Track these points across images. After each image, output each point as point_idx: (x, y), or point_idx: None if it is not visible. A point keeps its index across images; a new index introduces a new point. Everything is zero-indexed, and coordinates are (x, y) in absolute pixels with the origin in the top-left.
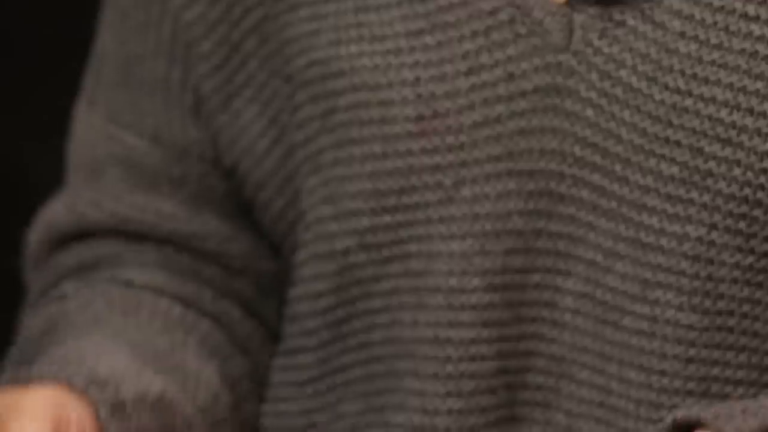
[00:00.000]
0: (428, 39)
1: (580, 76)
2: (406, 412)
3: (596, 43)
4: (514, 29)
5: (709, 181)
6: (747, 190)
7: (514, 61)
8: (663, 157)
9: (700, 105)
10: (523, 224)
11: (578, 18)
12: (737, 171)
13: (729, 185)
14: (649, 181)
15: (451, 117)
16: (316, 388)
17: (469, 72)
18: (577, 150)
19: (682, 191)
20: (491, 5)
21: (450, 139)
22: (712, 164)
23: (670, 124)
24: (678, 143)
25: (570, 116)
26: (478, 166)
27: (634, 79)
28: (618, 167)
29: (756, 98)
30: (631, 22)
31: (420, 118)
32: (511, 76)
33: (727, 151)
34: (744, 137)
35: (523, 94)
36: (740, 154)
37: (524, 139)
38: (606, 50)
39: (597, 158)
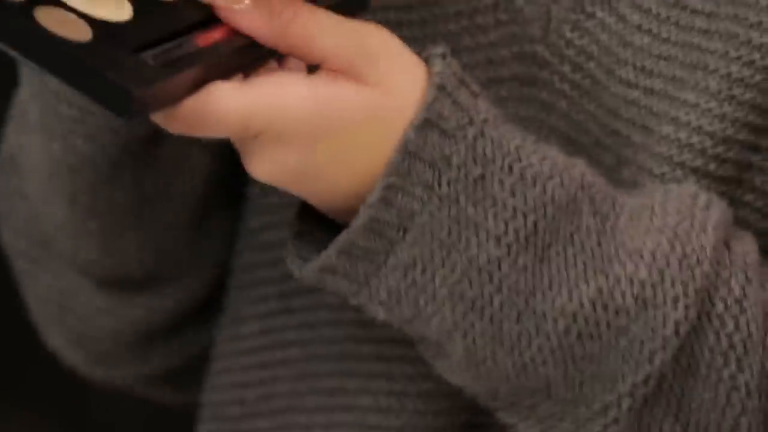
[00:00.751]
0: (414, 15)
1: (553, 67)
2: (372, 394)
3: (568, 35)
4: (496, 15)
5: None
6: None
7: (493, 47)
8: (609, 149)
9: (641, 97)
10: None
11: (554, 9)
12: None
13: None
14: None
15: None
16: (252, 361)
17: (451, 53)
18: (552, 141)
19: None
20: None
21: None
22: (641, 156)
23: (620, 117)
24: (618, 134)
25: (546, 107)
26: None
27: (598, 72)
28: (585, 161)
29: (682, 87)
30: (599, 14)
31: None
32: (490, 62)
33: (650, 140)
34: (666, 127)
35: (501, 81)
36: (661, 146)
37: None
38: (577, 42)
39: (570, 150)
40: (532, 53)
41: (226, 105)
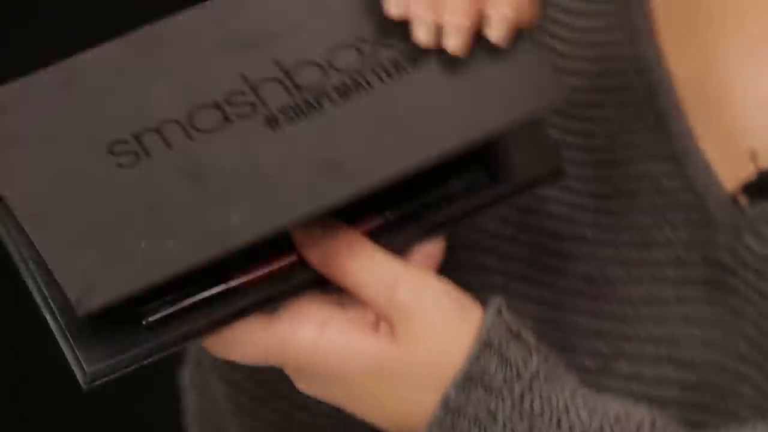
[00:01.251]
0: (613, 204)
1: (739, 274)
2: None
3: (751, 243)
4: (689, 215)
5: None
6: None
7: (684, 246)
8: None
9: None
10: (680, 415)
11: (740, 216)
12: None
13: None
14: None
15: (620, 287)
16: None
17: (643, 245)
18: (741, 346)
19: None
20: (673, 185)
21: (615, 308)
22: None
23: None
24: None
25: (735, 312)
26: (638, 342)
27: None
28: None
29: None
30: None
31: (589, 278)
32: (679, 261)
33: None
34: None
35: (690, 281)
36: None
37: (688, 326)
38: (759, 251)
39: (759, 357)
40: (718, 258)
41: (239, 351)
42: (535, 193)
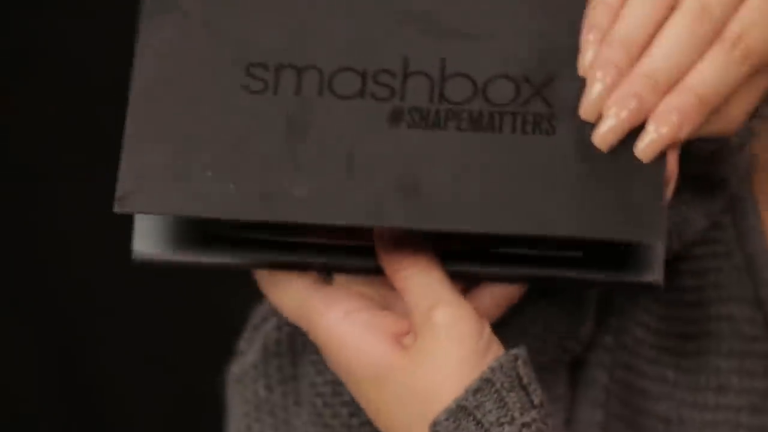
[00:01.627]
0: (693, 345)
1: None
2: None
3: None
4: (767, 364)
5: None
6: None
7: (760, 395)
8: None
9: None
10: None
11: None
12: None
13: None
14: None
15: (696, 428)
16: None
17: (719, 390)
18: None
19: None
20: (754, 332)
21: None
22: None
23: None
24: None
25: None
26: None
27: None
28: None
29: None
30: None
31: (667, 420)
32: (756, 409)
33: None
34: None
35: (765, 431)
36: None
37: None
38: None
39: None
40: None
41: (280, 299)
42: (627, 332)
